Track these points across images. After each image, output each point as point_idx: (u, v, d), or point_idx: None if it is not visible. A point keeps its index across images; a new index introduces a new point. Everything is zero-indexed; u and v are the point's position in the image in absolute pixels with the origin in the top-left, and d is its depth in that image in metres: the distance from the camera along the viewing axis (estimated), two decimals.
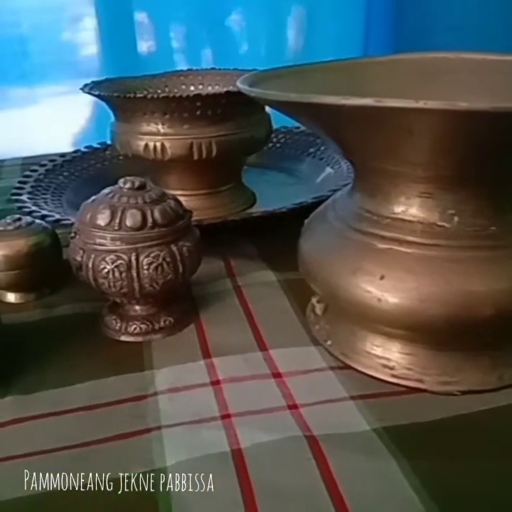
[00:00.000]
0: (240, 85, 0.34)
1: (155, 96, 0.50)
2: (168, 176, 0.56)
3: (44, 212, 0.50)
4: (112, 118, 0.56)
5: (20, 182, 0.58)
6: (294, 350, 0.37)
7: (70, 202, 0.58)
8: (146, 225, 0.37)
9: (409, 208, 0.32)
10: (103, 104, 0.56)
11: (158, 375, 0.36)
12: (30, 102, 1.03)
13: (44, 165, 0.63)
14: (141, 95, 0.52)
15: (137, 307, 0.40)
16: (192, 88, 0.64)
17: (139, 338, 0.39)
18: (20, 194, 0.55)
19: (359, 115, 0.27)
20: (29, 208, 0.51)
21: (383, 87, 0.40)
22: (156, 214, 0.37)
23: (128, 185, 0.38)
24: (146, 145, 0.52)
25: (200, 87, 0.64)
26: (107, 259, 0.36)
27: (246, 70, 0.63)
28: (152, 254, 0.37)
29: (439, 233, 0.32)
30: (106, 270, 0.36)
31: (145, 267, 0.37)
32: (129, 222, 0.36)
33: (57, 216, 0.50)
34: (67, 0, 1.00)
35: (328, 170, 0.63)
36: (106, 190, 0.39)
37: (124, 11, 0.98)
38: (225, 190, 0.58)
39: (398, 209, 0.33)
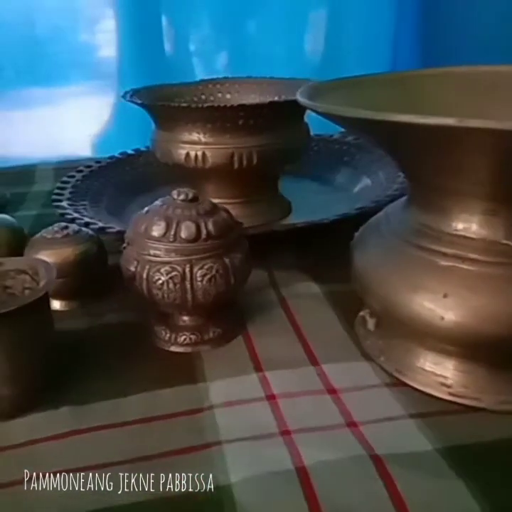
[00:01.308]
0: (301, 99, 0.34)
1: (199, 105, 0.50)
2: (207, 184, 0.56)
3: (86, 219, 0.50)
4: (153, 126, 0.56)
5: (58, 188, 0.58)
6: (346, 366, 0.37)
7: (107, 208, 0.58)
8: (201, 236, 0.37)
9: (472, 224, 0.32)
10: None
11: (212, 387, 0.36)
12: (48, 103, 1.03)
13: (80, 171, 0.63)
14: (184, 105, 0.52)
15: (186, 318, 0.40)
16: (228, 96, 0.64)
17: (189, 349, 0.39)
18: (60, 200, 0.55)
19: (435, 134, 0.27)
20: (71, 214, 0.51)
21: (437, 101, 0.40)
22: (210, 226, 0.37)
23: (182, 196, 0.38)
24: (188, 154, 0.52)
25: (236, 95, 0.64)
26: (162, 270, 0.36)
27: (282, 78, 0.63)
28: (206, 266, 0.37)
29: (504, 251, 0.31)
30: (160, 281, 0.36)
31: (199, 279, 0.37)
32: (183, 234, 0.36)
33: (101, 224, 0.50)
34: (84, 1, 1.00)
35: (366, 180, 0.62)
36: (159, 202, 0.39)
37: (149, 13, 0.98)
38: (263, 198, 0.58)
39: (460, 226, 0.32)
